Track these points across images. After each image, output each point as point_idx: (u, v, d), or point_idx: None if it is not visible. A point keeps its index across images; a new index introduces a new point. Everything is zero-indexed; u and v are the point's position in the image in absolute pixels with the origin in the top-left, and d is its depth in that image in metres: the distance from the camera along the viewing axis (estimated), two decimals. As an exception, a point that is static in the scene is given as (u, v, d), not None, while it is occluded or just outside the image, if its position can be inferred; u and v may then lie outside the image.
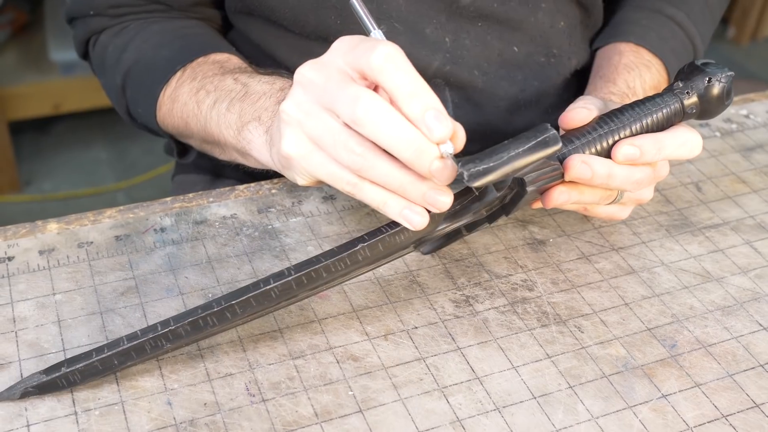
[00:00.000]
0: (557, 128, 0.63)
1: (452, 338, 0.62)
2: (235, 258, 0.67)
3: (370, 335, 0.62)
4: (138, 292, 0.64)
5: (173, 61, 0.78)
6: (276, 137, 0.60)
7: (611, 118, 0.64)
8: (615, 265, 0.70)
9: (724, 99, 0.66)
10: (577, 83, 0.88)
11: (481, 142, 0.83)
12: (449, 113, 0.81)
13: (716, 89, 0.65)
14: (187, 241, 0.69)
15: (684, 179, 0.80)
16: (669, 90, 0.66)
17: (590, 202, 0.66)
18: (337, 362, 0.60)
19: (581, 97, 0.69)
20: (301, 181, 0.61)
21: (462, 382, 0.59)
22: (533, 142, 0.57)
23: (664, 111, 0.65)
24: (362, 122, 0.53)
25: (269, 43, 0.82)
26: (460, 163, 0.55)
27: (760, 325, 0.65)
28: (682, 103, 0.65)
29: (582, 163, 0.62)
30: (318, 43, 0.79)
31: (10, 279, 0.64)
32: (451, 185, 0.56)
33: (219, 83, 0.72)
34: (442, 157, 0.54)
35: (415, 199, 0.56)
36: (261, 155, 0.67)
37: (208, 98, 0.73)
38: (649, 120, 0.64)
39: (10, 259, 0.65)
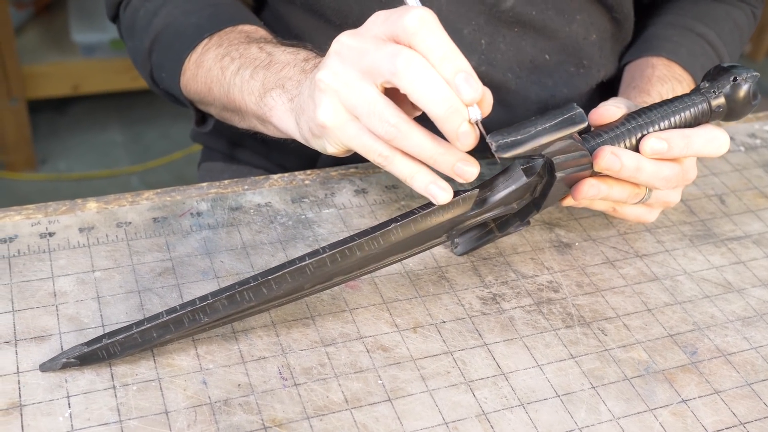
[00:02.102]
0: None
1: (479, 334, 0.64)
2: (269, 245, 0.69)
3: (400, 327, 0.63)
4: (175, 273, 0.65)
5: (201, 28, 0.80)
6: (308, 106, 0.61)
7: (639, 115, 0.66)
8: (639, 271, 0.71)
9: (751, 99, 0.68)
10: (603, 93, 0.90)
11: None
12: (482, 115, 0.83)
13: (742, 90, 0.67)
14: (222, 226, 0.70)
15: (708, 191, 0.81)
16: (696, 90, 0.68)
17: (618, 199, 0.68)
18: (367, 351, 0.61)
19: (612, 98, 0.70)
20: (331, 150, 0.62)
21: (488, 377, 0.60)
22: (560, 119, 0.60)
23: (692, 110, 0.67)
24: (402, 74, 0.54)
25: (308, 34, 0.84)
26: (489, 136, 0.57)
27: (779, 337, 0.67)
28: (709, 103, 0.67)
29: (611, 154, 0.64)
30: None
31: (51, 254, 0.65)
32: (477, 177, 0.58)
33: (244, 51, 0.73)
34: (469, 121, 0.56)
35: (446, 170, 0.57)
36: (282, 122, 0.68)
37: (233, 65, 0.74)
38: (676, 118, 0.66)
39: (51, 234, 0.67)
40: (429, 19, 0.54)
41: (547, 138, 0.59)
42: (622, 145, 0.65)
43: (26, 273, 0.63)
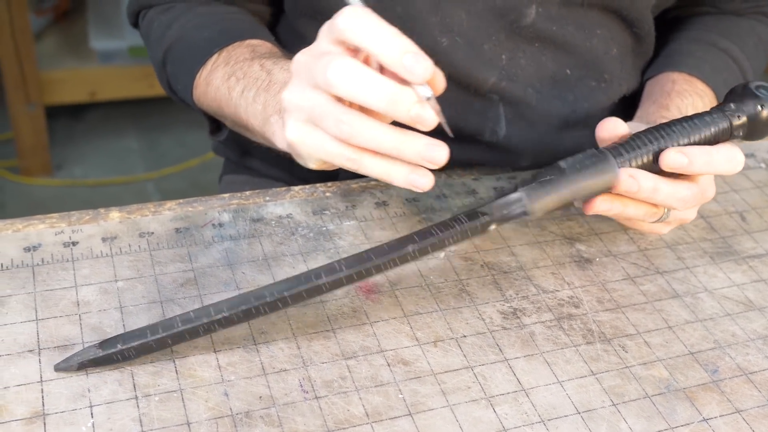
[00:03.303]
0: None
1: (500, 349, 0.64)
2: (291, 257, 0.69)
3: (420, 341, 0.64)
4: (197, 284, 0.65)
5: (212, 42, 0.81)
6: (281, 127, 0.62)
7: (660, 131, 0.66)
8: (659, 288, 0.71)
9: (762, 133, 0.68)
10: (625, 108, 0.90)
11: (533, 156, 0.85)
12: (503, 130, 0.83)
13: (766, 114, 0.67)
14: (244, 237, 0.70)
15: (729, 208, 0.81)
16: (719, 109, 0.67)
17: (634, 217, 0.68)
18: (388, 365, 0.61)
19: (628, 122, 0.70)
20: (312, 165, 0.62)
21: (508, 393, 0.60)
22: (593, 172, 0.60)
23: (713, 129, 0.67)
24: (333, 83, 0.54)
25: None
26: (520, 189, 0.59)
27: (801, 356, 0.66)
28: (731, 124, 0.67)
29: (629, 177, 0.64)
30: None
31: (74, 263, 0.66)
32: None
33: (248, 69, 0.74)
34: (420, 101, 0.55)
35: (413, 157, 0.56)
36: (283, 146, 0.68)
37: (238, 85, 0.74)
38: (697, 137, 0.66)
39: (74, 243, 0.67)
40: (358, 12, 0.54)
41: (579, 193, 0.62)
42: (642, 161, 0.65)
43: (50, 282, 0.64)
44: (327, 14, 0.80)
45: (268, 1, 0.90)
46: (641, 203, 0.67)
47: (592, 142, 0.68)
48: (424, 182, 0.57)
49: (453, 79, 0.81)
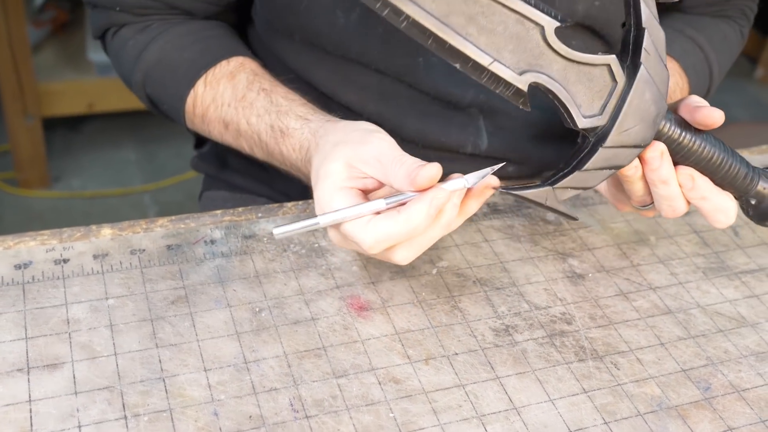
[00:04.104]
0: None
1: (491, 367, 0.64)
2: (282, 274, 0.69)
3: (412, 359, 0.63)
4: (188, 301, 0.65)
5: (195, 63, 0.82)
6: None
7: (710, 136, 0.66)
8: (652, 304, 0.71)
9: None
10: None
11: (518, 166, 0.85)
12: (484, 142, 0.84)
13: None
14: (236, 254, 0.70)
15: (722, 223, 0.81)
16: (756, 168, 0.68)
17: (634, 193, 0.68)
18: (379, 384, 0.61)
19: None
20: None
21: (500, 411, 0.60)
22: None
23: (742, 169, 0.66)
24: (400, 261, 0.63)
25: (307, 68, 0.84)
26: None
27: (794, 373, 0.66)
28: (758, 180, 0.67)
29: (660, 154, 0.64)
30: (359, 68, 0.81)
31: (65, 281, 0.66)
32: None
33: (238, 123, 0.79)
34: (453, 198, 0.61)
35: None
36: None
37: (229, 135, 0.81)
38: (730, 163, 0.66)
39: (65, 261, 0.67)
40: (374, 241, 0.60)
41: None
42: (678, 139, 0.65)
43: (40, 300, 0.64)
44: (304, 34, 0.81)
45: (236, 8, 0.90)
46: (645, 185, 0.67)
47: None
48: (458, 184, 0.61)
49: (432, 95, 0.82)
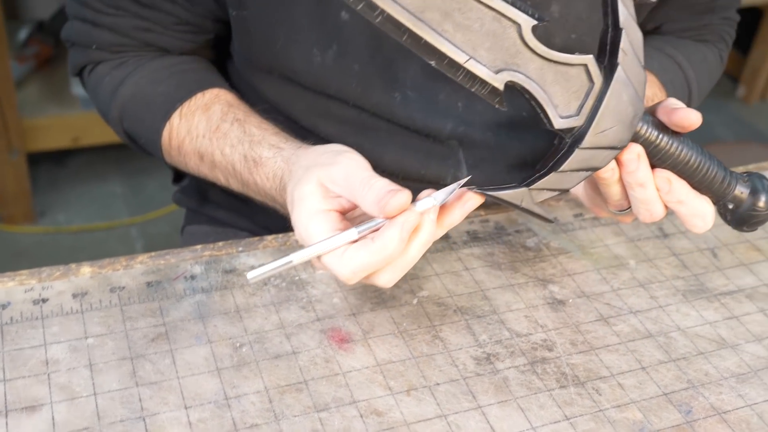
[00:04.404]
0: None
1: (473, 396, 0.64)
2: (263, 308, 0.69)
3: (393, 390, 0.63)
4: (168, 338, 0.65)
5: (170, 97, 0.83)
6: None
7: (687, 139, 0.66)
8: (632, 328, 0.71)
9: (750, 221, 0.68)
10: None
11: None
12: (464, 174, 0.84)
13: (762, 204, 0.67)
14: (216, 289, 0.70)
15: (700, 245, 0.81)
16: (735, 173, 0.68)
17: (611, 196, 0.68)
18: (361, 416, 0.61)
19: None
20: None
21: (482, 441, 0.60)
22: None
23: (719, 173, 0.66)
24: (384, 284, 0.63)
25: (286, 102, 0.85)
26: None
27: (775, 394, 0.66)
28: (735, 184, 0.67)
29: (636, 156, 0.64)
30: (337, 103, 0.82)
31: (44, 321, 0.65)
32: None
33: (212, 154, 0.80)
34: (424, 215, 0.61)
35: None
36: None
37: (205, 167, 0.81)
38: (707, 166, 0.66)
39: (44, 301, 0.67)
40: (348, 272, 0.60)
41: None
42: (654, 141, 0.65)
43: (18, 341, 0.64)
44: (281, 71, 0.81)
45: (214, 45, 0.91)
46: (622, 189, 0.67)
47: None
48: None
49: (411, 129, 0.82)
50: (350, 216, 0.64)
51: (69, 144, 2.12)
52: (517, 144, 0.85)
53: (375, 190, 0.60)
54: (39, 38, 2.17)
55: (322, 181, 0.62)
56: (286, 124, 0.86)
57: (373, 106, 0.81)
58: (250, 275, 0.60)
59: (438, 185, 0.85)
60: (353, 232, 0.60)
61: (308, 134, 0.86)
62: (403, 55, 0.77)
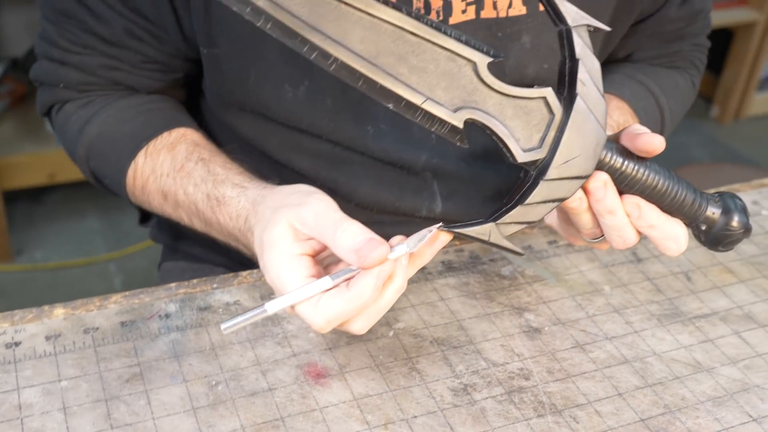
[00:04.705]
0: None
1: (451, 428, 0.63)
2: (239, 345, 0.69)
3: (371, 424, 0.63)
4: (143, 379, 0.65)
5: (136, 137, 0.83)
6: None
7: (654, 164, 0.66)
8: (608, 354, 0.72)
9: (725, 240, 0.69)
10: None
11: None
12: (439, 206, 0.85)
13: (735, 223, 0.68)
14: (191, 327, 0.70)
15: (674, 269, 0.82)
16: (706, 194, 0.69)
17: (582, 226, 0.69)
18: (338, 452, 0.61)
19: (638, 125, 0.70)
20: None
21: (461, 473, 0.60)
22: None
23: (689, 196, 0.67)
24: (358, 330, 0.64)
25: (260, 137, 0.85)
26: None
27: (750, 416, 0.66)
28: (707, 205, 0.67)
29: (603, 184, 0.65)
30: (310, 138, 0.82)
31: (16, 365, 0.65)
32: None
33: (176, 193, 0.79)
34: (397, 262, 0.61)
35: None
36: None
37: (168, 206, 0.81)
38: (676, 189, 0.66)
39: (17, 344, 0.67)
40: (324, 323, 0.61)
41: None
42: (620, 168, 0.65)
43: (-9, 386, 0.63)
44: (254, 107, 0.82)
45: (184, 84, 0.91)
46: (592, 217, 0.68)
47: None
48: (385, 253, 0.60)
49: (385, 161, 0.82)
50: (320, 258, 0.64)
51: (45, 181, 2.11)
52: (491, 175, 0.86)
53: (351, 236, 0.59)
54: (13, 76, 2.17)
55: (292, 223, 0.62)
56: (260, 159, 0.87)
57: (346, 139, 0.81)
58: (224, 327, 0.60)
59: (412, 217, 0.85)
60: (328, 281, 0.60)
61: (282, 168, 0.86)
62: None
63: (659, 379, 0.69)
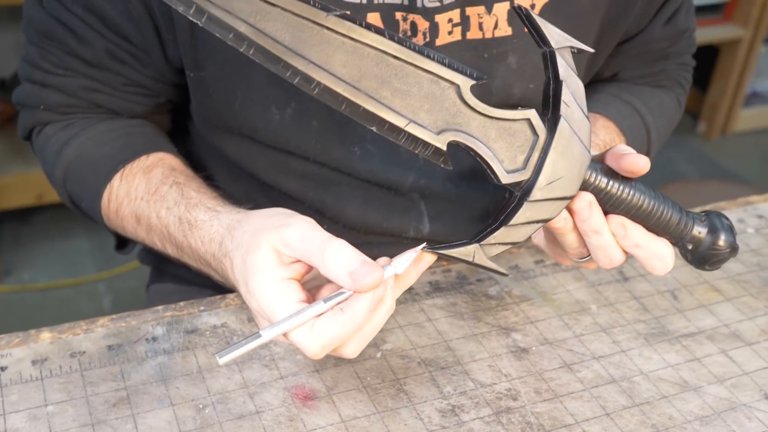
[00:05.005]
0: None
1: (439, 449, 0.63)
2: (226, 368, 0.69)
3: (359, 447, 0.63)
4: (129, 403, 0.64)
5: (114, 159, 0.82)
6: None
7: (639, 184, 0.67)
8: (596, 374, 0.72)
9: (711, 260, 0.69)
10: None
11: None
12: (426, 227, 0.85)
13: (722, 242, 0.68)
14: (178, 350, 0.70)
15: (660, 287, 0.82)
16: (692, 213, 0.69)
17: (568, 245, 0.69)
18: (326, 475, 0.61)
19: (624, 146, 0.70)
20: None
21: (449, 495, 0.60)
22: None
23: (674, 215, 0.67)
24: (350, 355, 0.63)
25: (247, 159, 0.85)
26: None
27: (738, 435, 0.67)
28: (693, 224, 0.68)
29: (588, 204, 0.65)
30: (297, 159, 0.82)
31: (2, 390, 0.64)
32: None
33: (149, 218, 0.79)
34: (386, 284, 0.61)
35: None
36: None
37: (141, 230, 0.80)
38: (661, 209, 0.67)
39: (3, 369, 0.66)
40: (315, 352, 0.60)
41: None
42: (606, 189, 0.66)
43: (-23, 411, 0.63)
44: (241, 130, 0.82)
45: (168, 110, 0.91)
46: (578, 236, 0.68)
47: None
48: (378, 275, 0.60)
49: (372, 182, 0.83)
50: (304, 280, 0.63)
51: (33, 201, 2.10)
52: (479, 196, 0.86)
53: (343, 258, 0.58)
54: (1, 96, 2.17)
55: (275, 246, 0.61)
56: (248, 180, 0.87)
57: (333, 161, 0.82)
58: (221, 358, 0.58)
59: (400, 238, 0.85)
60: (321, 305, 0.59)
61: (270, 190, 0.86)
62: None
63: (646, 399, 0.70)
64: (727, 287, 0.83)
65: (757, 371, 0.73)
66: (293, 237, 0.60)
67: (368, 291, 0.58)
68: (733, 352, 0.75)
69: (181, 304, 0.75)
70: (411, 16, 0.76)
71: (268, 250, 0.61)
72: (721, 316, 0.79)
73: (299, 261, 0.61)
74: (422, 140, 0.60)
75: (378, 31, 0.58)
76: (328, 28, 0.57)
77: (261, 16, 0.55)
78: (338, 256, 0.58)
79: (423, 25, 0.76)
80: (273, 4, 0.56)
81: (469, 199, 0.85)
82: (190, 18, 0.55)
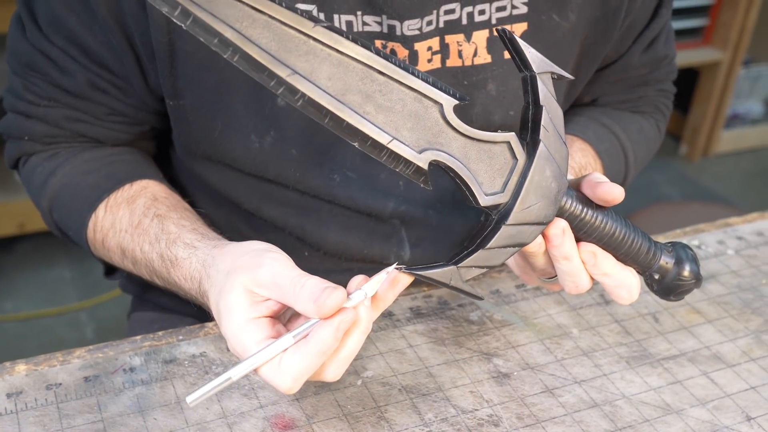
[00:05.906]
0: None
1: (420, 478, 0.63)
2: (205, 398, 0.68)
3: (339, 476, 0.62)
4: (106, 435, 0.64)
5: (99, 188, 0.82)
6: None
7: (611, 212, 0.67)
8: (578, 398, 0.71)
9: (676, 290, 0.70)
10: None
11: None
12: (407, 253, 0.85)
13: (686, 273, 0.69)
14: (156, 381, 0.69)
15: (641, 310, 0.82)
16: (660, 244, 0.69)
17: (539, 267, 0.69)
18: (306, 505, 0.60)
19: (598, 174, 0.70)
20: None
21: None
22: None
23: (644, 245, 0.68)
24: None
25: (228, 187, 0.85)
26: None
27: (720, 458, 0.66)
28: (660, 254, 0.68)
29: (561, 231, 0.65)
30: (278, 187, 0.82)
31: (-24, 424, 0.64)
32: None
33: (133, 251, 0.79)
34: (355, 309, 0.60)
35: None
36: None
37: (128, 261, 0.81)
38: (632, 239, 0.67)
39: (-23, 403, 0.65)
40: (290, 388, 0.60)
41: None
42: (579, 215, 0.66)
43: (-50, 446, 0.62)
44: (221, 158, 0.82)
45: (152, 137, 0.91)
46: (548, 259, 0.68)
47: None
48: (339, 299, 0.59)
49: (352, 209, 0.82)
50: (280, 316, 0.63)
51: (15, 231, 2.09)
52: (459, 221, 0.86)
53: (309, 288, 0.58)
54: (-18, 125, 2.16)
55: (248, 287, 0.60)
56: (230, 208, 0.86)
57: (312, 188, 0.81)
58: (190, 399, 0.58)
59: (381, 264, 0.85)
60: (289, 338, 0.59)
61: (251, 217, 0.86)
62: (341, 137, 0.78)
63: (629, 423, 0.69)
64: (708, 309, 0.83)
65: (739, 393, 0.73)
66: (265, 277, 0.60)
67: (332, 315, 0.58)
68: (714, 374, 0.75)
69: (160, 333, 0.74)
70: (390, 44, 0.76)
71: (240, 291, 0.60)
72: (703, 338, 0.79)
73: (271, 299, 0.61)
74: (404, 158, 0.60)
75: (364, 45, 0.58)
76: (315, 39, 0.56)
77: (248, 22, 0.55)
78: (306, 290, 0.58)
79: (402, 53, 0.76)
80: (260, 11, 0.55)
81: (450, 225, 0.85)
82: (174, 20, 0.54)
